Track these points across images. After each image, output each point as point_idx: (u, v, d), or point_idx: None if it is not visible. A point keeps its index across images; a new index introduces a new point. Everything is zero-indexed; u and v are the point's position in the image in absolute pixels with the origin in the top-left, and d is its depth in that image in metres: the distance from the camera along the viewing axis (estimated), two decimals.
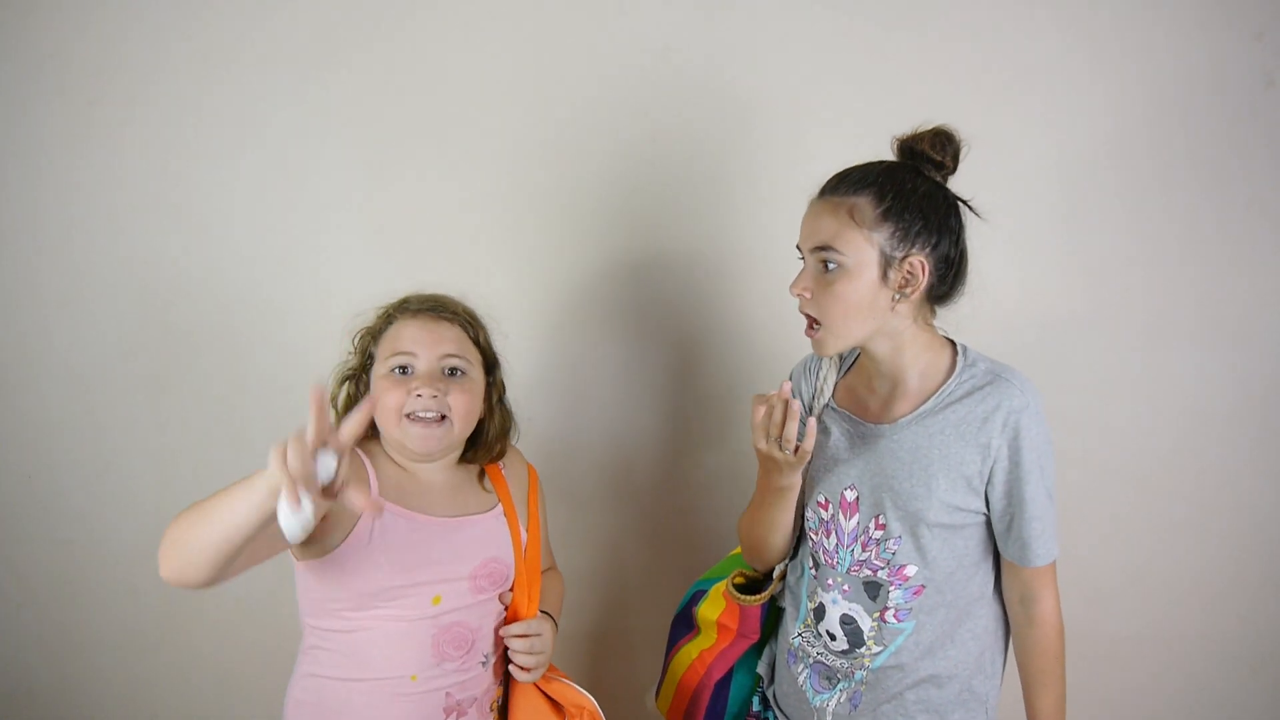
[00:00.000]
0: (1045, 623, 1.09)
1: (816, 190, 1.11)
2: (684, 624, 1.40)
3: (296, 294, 1.62)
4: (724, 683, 1.32)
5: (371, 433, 1.17)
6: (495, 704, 1.19)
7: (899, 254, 1.04)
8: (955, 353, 1.11)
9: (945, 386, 1.08)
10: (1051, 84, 1.53)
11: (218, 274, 1.61)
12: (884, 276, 1.04)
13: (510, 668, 1.18)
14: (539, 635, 1.17)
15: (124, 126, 1.56)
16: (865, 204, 1.04)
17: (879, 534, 1.09)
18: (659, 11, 1.54)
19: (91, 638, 1.73)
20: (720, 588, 1.32)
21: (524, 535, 1.21)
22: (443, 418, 1.10)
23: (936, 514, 1.06)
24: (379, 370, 1.13)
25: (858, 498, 1.11)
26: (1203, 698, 1.71)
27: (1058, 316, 1.59)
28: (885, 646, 1.10)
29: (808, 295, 1.07)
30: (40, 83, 1.55)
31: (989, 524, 1.10)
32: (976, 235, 1.13)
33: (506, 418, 1.23)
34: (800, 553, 1.24)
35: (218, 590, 1.65)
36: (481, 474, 1.22)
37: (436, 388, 1.09)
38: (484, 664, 1.15)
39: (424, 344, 1.11)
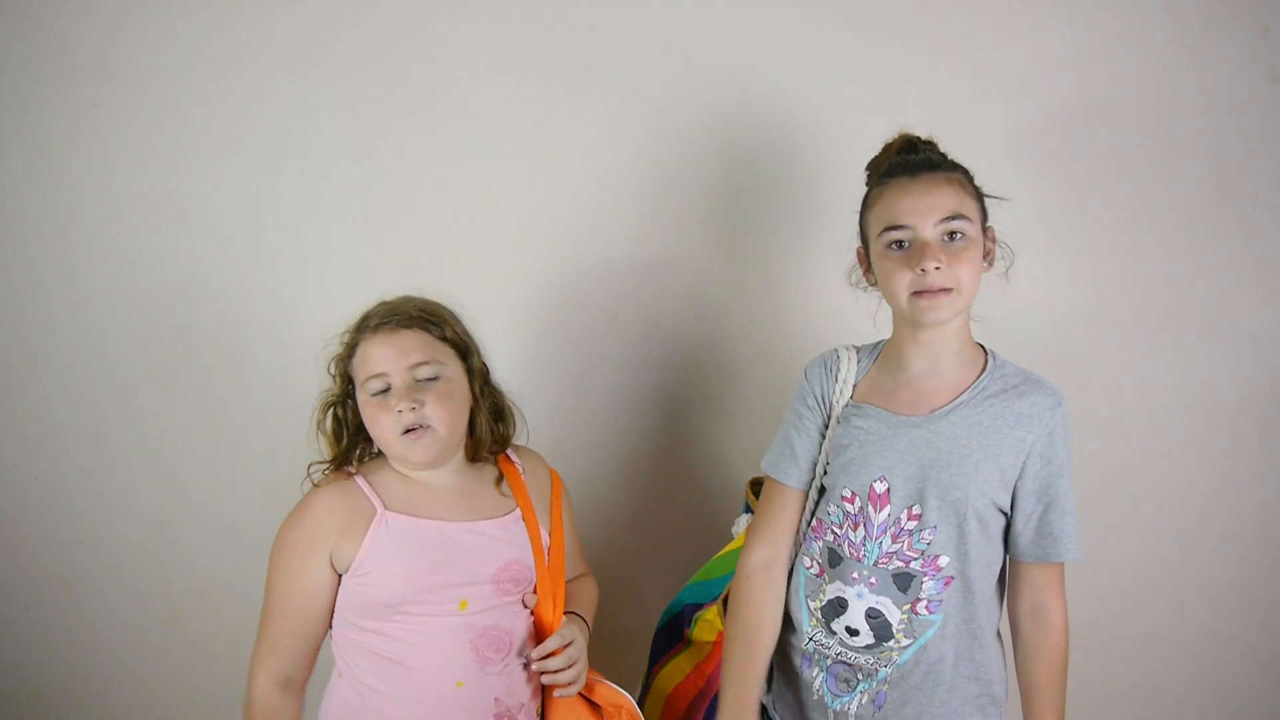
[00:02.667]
0: (1056, 630, 1.10)
1: (893, 172, 1.11)
2: (670, 637, 1.35)
3: (298, 293, 1.62)
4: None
5: (370, 452, 1.18)
6: (538, 709, 1.18)
7: (984, 224, 1.13)
8: (986, 354, 1.15)
9: (979, 382, 1.11)
10: (1055, 79, 1.52)
11: (219, 273, 1.62)
12: (982, 246, 1.12)
13: (551, 689, 1.15)
14: (571, 643, 1.15)
15: (126, 127, 1.57)
16: (965, 179, 1.11)
17: (912, 524, 1.09)
18: (663, 8, 1.53)
19: (97, 638, 1.73)
20: (715, 615, 1.29)
21: (545, 539, 1.19)
22: (426, 426, 1.10)
23: (976, 503, 1.07)
24: (362, 396, 1.12)
25: (889, 489, 1.11)
26: (1209, 696, 1.70)
27: (1061, 315, 1.58)
28: (914, 639, 1.10)
29: (943, 268, 1.05)
30: (43, 84, 1.56)
31: (1006, 527, 1.12)
32: None
33: (498, 398, 1.22)
34: (797, 555, 1.21)
35: (224, 590, 1.69)
36: (500, 479, 1.20)
37: (414, 400, 1.08)
38: (525, 665, 1.15)
39: (391, 359, 1.10)
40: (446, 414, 1.11)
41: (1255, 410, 1.59)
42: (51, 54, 1.55)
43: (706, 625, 1.30)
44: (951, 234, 1.06)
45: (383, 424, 1.09)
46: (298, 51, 1.55)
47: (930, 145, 1.15)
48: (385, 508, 1.10)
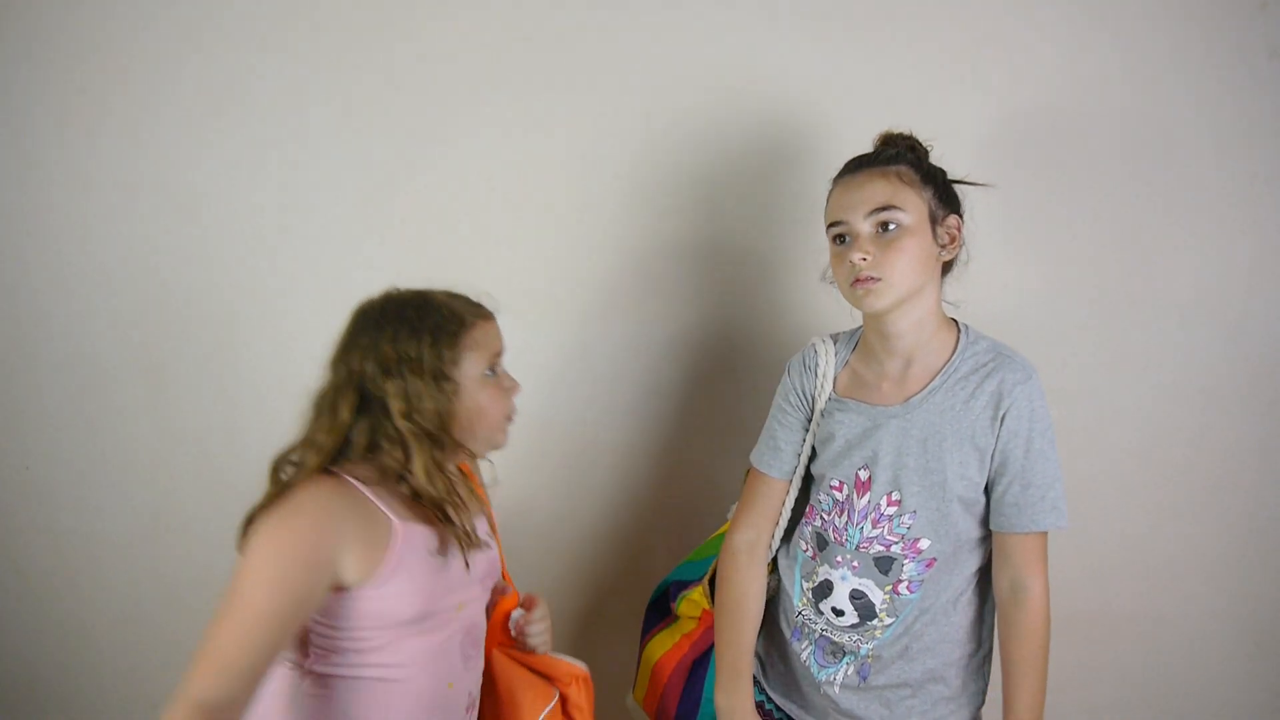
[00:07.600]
0: (1033, 610, 1.10)
1: (841, 172, 1.17)
2: (659, 612, 1.40)
3: (293, 284, 1.61)
4: (700, 663, 1.32)
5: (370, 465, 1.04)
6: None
7: (941, 213, 1.13)
8: (959, 330, 1.16)
9: (951, 363, 1.13)
10: (1051, 56, 1.50)
11: (214, 264, 1.60)
12: (934, 234, 1.12)
13: (531, 643, 1.20)
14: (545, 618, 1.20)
15: (117, 115, 1.55)
16: (908, 170, 1.12)
17: (891, 510, 1.13)
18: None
19: (90, 628, 1.73)
20: (700, 595, 1.32)
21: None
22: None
23: (955, 485, 1.10)
24: (472, 373, 1.05)
25: (870, 477, 1.14)
26: (1205, 676, 1.70)
27: (1058, 294, 1.57)
28: (897, 617, 1.14)
29: (869, 259, 1.09)
30: (28, 70, 1.53)
31: (988, 505, 1.13)
32: (977, 213, 1.18)
33: None
34: (793, 538, 1.26)
35: (217, 579, 1.67)
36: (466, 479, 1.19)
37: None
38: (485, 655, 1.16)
39: (501, 347, 1.12)
40: None
41: (1251, 390, 1.58)
42: (36, 40, 1.53)
43: (691, 604, 1.34)
44: (884, 225, 1.09)
45: (501, 407, 1.10)
46: (289, 35, 1.53)
47: (905, 140, 1.16)
48: (399, 519, 1.00)
